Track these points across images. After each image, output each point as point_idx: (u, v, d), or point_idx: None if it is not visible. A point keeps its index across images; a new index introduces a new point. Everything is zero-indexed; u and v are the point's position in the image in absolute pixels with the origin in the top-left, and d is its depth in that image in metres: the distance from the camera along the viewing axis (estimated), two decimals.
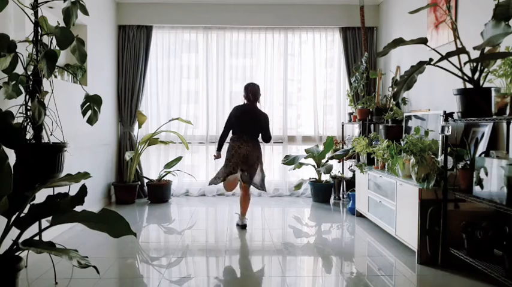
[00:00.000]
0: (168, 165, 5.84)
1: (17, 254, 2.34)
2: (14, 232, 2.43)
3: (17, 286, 2.29)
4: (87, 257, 2.25)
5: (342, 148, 5.91)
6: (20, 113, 2.65)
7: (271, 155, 6.20)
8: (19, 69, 2.66)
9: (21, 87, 2.67)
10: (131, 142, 5.96)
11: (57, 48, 2.66)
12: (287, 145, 6.22)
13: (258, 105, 4.49)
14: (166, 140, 5.91)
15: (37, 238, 2.54)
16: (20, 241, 2.30)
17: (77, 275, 2.91)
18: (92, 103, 2.95)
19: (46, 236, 3.42)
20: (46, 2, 2.76)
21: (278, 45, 6.19)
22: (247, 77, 6.19)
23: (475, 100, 2.74)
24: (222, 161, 4.54)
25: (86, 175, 2.51)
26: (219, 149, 4.56)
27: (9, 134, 2.48)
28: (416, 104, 4.65)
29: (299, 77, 6.27)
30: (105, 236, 2.31)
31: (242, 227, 4.39)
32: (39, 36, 2.71)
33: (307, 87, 6.27)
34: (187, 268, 3.25)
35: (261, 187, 4.49)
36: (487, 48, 2.63)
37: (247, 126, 4.39)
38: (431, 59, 2.75)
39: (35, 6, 2.71)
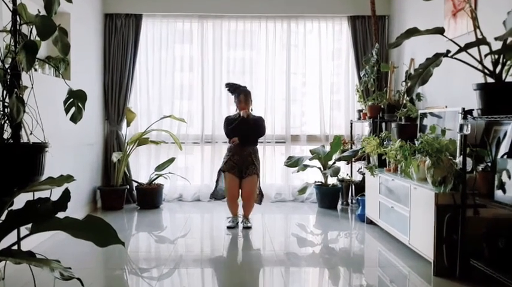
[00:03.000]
0: (160, 167, 5.84)
1: None
2: None
3: None
4: (70, 268, 2.25)
5: (351, 148, 5.91)
6: None
7: (272, 157, 6.20)
8: None
9: None
10: (119, 142, 5.96)
11: (38, 38, 2.66)
12: (290, 145, 6.21)
13: (250, 110, 4.83)
14: (157, 139, 5.90)
15: (15, 247, 2.54)
16: None
17: None
18: (75, 99, 2.94)
19: (25, 245, 3.40)
20: None
21: (280, 36, 6.18)
22: (246, 70, 6.19)
23: (496, 96, 2.74)
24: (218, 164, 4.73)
25: (69, 178, 2.51)
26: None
27: None
28: (432, 100, 4.65)
29: (303, 70, 6.26)
30: (90, 246, 2.31)
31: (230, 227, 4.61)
32: (17, 26, 2.71)
33: (312, 81, 6.27)
34: (181, 281, 3.25)
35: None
36: (510, 39, 2.63)
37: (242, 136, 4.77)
38: (448, 51, 2.75)
39: None
